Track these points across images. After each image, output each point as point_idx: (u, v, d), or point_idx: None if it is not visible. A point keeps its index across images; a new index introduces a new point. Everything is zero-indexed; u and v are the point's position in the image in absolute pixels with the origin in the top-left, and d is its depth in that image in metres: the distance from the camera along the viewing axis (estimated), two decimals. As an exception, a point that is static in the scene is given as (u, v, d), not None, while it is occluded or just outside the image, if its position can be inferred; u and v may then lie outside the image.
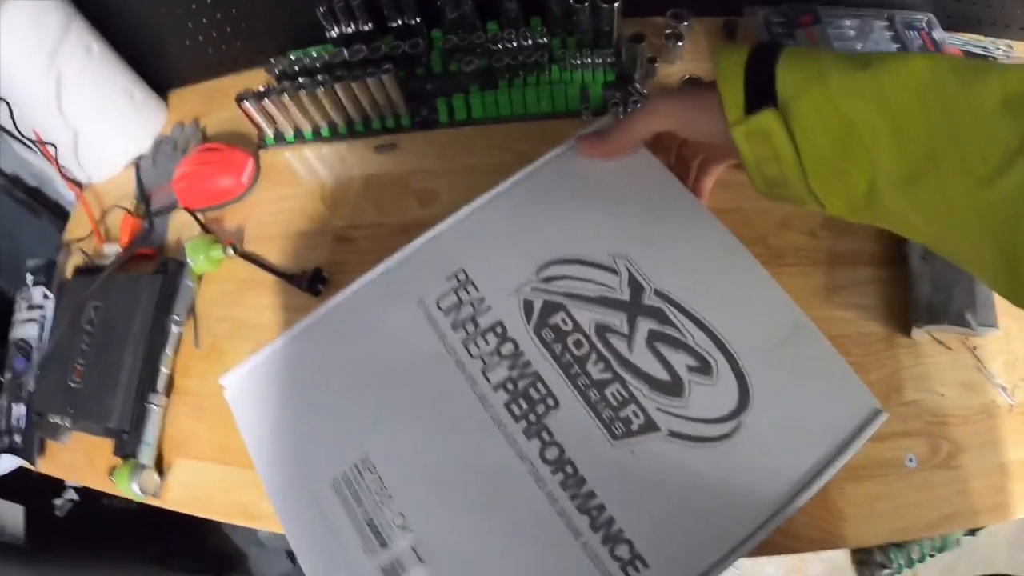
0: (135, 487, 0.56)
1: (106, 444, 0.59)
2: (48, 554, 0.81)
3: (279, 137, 0.70)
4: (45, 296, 0.68)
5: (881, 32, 0.65)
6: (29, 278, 0.69)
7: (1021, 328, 0.54)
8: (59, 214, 0.90)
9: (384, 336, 0.41)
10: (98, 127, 0.71)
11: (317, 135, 0.69)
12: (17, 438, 0.64)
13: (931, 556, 1.20)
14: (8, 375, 0.66)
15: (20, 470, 0.67)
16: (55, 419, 0.61)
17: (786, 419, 0.36)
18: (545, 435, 0.36)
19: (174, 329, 0.61)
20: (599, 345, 0.38)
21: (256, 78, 0.74)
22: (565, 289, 0.40)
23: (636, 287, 0.40)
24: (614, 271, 0.40)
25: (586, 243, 0.41)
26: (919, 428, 0.52)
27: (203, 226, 0.66)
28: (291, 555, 1.09)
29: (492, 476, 0.36)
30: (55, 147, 0.68)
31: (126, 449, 0.58)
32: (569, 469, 0.35)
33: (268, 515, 0.54)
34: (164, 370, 0.60)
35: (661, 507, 0.34)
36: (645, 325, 0.38)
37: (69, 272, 0.70)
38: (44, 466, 0.64)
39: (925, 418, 0.52)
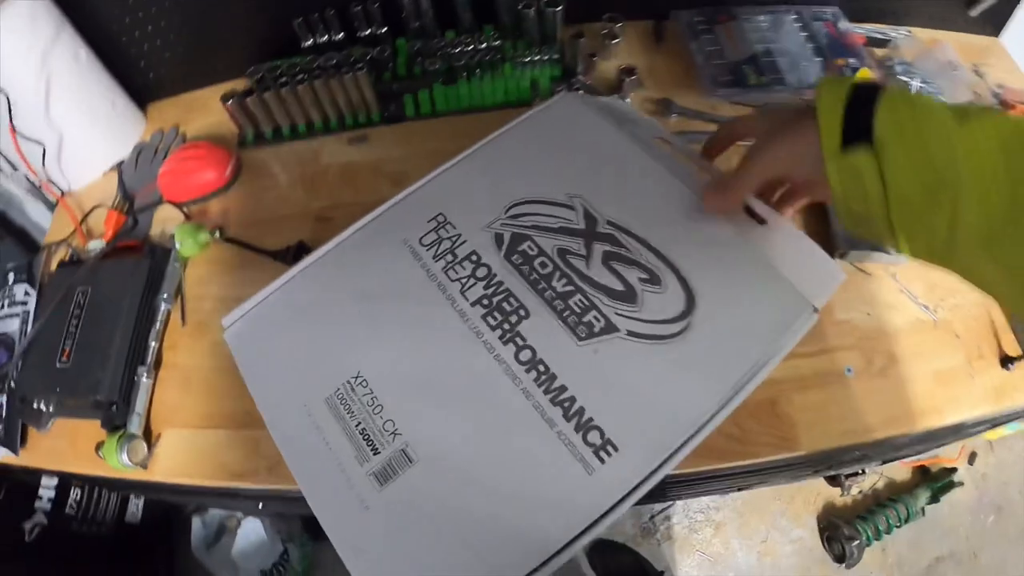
0: (124, 457, 0.57)
1: (89, 428, 0.61)
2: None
3: (259, 135, 0.75)
4: (27, 292, 0.70)
5: (791, 25, 0.76)
6: (10, 276, 0.71)
7: None
8: (25, 241, 0.91)
9: (373, 270, 0.46)
10: (82, 131, 0.75)
11: (295, 132, 0.75)
12: (-1, 427, 0.64)
13: (897, 527, 1.26)
14: (-11, 368, 0.67)
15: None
16: (39, 404, 0.62)
17: (731, 319, 0.40)
18: (519, 340, 0.40)
19: (162, 308, 0.64)
20: (561, 265, 0.43)
21: (235, 86, 0.79)
22: (530, 223, 0.46)
23: (590, 219, 0.45)
24: (571, 207, 0.46)
25: (546, 186, 0.47)
26: (852, 343, 0.59)
27: (187, 216, 0.70)
28: (264, 573, 1.07)
29: (473, 378, 0.40)
30: (44, 147, 0.72)
31: (115, 420, 0.59)
32: (541, 367, 0.39)
33: (253, 470, 0.57)
34: (153, 344, 0.63)
35: (626, 397, 0.38)
36: (600, 247, 0.44)
37: (52, 268, 0.72)
38: (26, 457, 0.64)
39: (856, 334, 0.60)
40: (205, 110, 0.80)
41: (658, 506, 1.34)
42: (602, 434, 0.36)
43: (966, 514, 1.33)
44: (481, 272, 0.44)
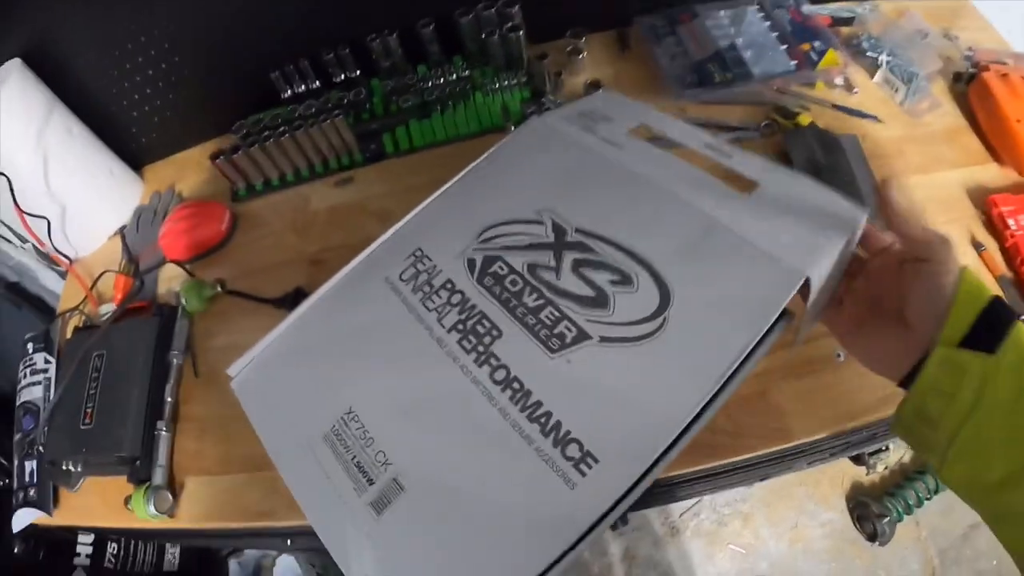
0: (151, 508, 0.60)
1: (117, 484, 0.64)
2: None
3: (250, 188, 0.79)
4: (47, 360, 0.74)
5: (754, 16, 0.77)
6: (29, 346, 0.75)
7: None
8: (42, 307, 0.96)
9: (358, 310, 0.48)
10: (83, 202, 0.79)
11: (284, 181, 0.78)
12: (32, 492, 0.67)
13: (927, 499, 1.25)
14: (18, 435, 0.70)
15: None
16: (67, 465, 0.65)
17: (710, 308, 0.39)
18: (493, 360, 0.41)
19: (175, 363, 0.68)
20: (531, 280, 0.44)
21: (224, 142, 0.83)
22: (500, 244, 0.47)
23: (559, 230, 0.46)
24: (540, 222, 0.47)
25: (515, 207, 0.48)
26: None
27: (190, 273, 0.73)
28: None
29: (452, 403, 0.40)
30: (48, 221, 0.76)
31: (140, 475, 0.62)
32: (516, 385, 0.39)
33: (274, 510, 0.60)
34: (169, 399, 0.66)
35: (602, 405, 0.37)
36: (569, 256, 0.44)
37: (68, 335, 0.76)
38: (60, 516, 0.67)
39: None
40: (198, 168, 0.84)
41: (684, 504, 1.34)
42: (580, 447, 0.36)
43: (994, 479, 1.31)
44: (455, 299, 0.44)
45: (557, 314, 0.41)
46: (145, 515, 0.61)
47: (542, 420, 0.37)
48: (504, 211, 0.48)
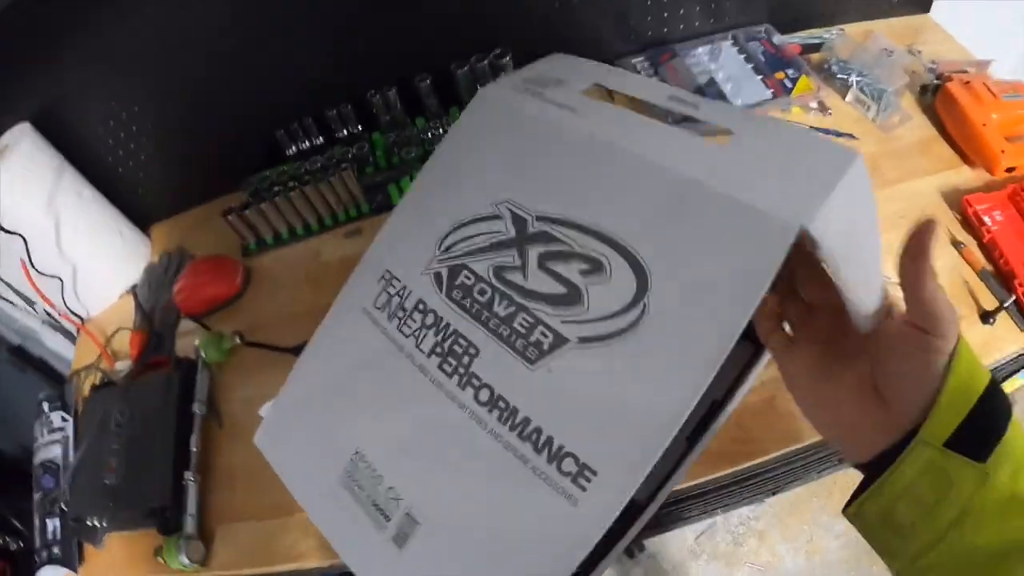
0: (183, 558, 0.62)
1: (142, 539, 0.65)
2: None
3: (261, 242, 0.82)
4: (63, 419, 0.75)
5: (729, 50, 0.83)
6: (45, 406, 0.76)
7: (899, 236, 0.70)
8: (45, 370, 0.96)
9: (345, 347, 0.46)
10: (94, 263, 0.82)
11: (294, 235, 0.82)
12: (56, 549, 0.68)
13: None
14: (38, 495, 0.71)
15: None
16: (92, 521, 0.67)
17: (694, 285, 0.33)
18: (475, 381, 0.38)
19: (197, 414, 0.70)
20: (499, 285, 0.40)
21: (230, 200, 0.87)
22: (462, 250, 0.42)
23: (519, 222, 0.40)
24: (498, 216, 0.41)
25: (470, 203, 0.43)
26: None
27: (207, 327, 0.76)
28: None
29: (444, 433, 0.39)
30: (61, 281, 0.78)
31: (170, 525, 0.64)
32: (502, 404, 0.37)
33: (304, 552, 0.62)
34: (194, 449, 0.68)
35: (591, 413, 0.34)
36: (534, 251, 0.39)
37: (84, 392, 0.78)
38: (86, 572, 0.68)
39: None
40: (206, 226, 0.87)
41: (699, 527, 1.34)
42: (576, 460, 0.34)
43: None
44: (429, 320, 0.42)
45: (531, 320, 0.38)
46: (178, 565, 0.62)
47: (533, 438, 0.35)
48: (460, 211, 0.43)
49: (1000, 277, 0.68)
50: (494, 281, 0.40)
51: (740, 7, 0.87)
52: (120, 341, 0.80)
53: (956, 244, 0.71)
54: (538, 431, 0.35)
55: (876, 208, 0.36)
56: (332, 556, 0.62)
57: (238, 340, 0.73)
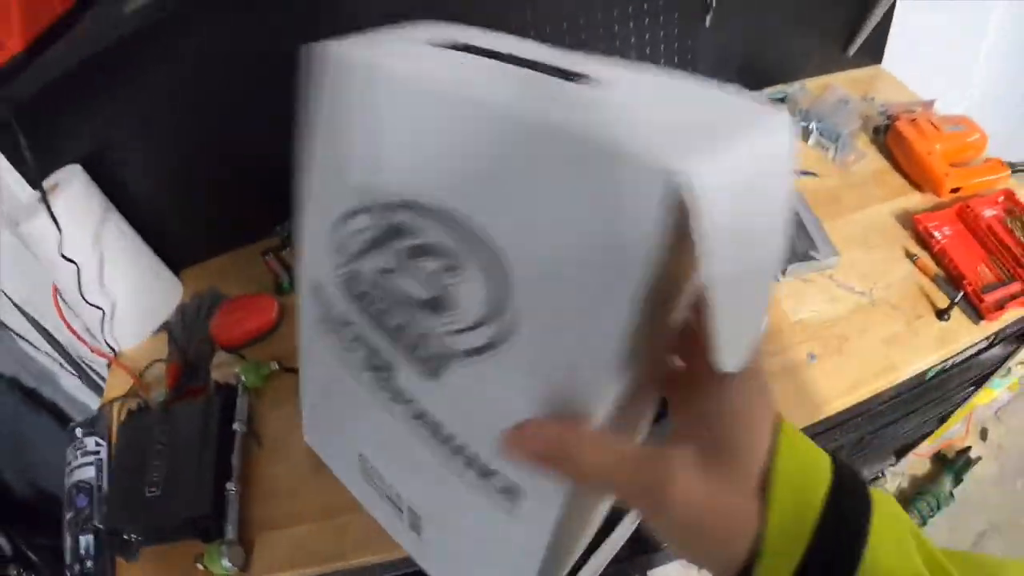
0: (225, 562, 0.65)
1: (174, 552, 0.68)
2: None
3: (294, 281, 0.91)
4: (97, 443, 0.79)
5: None
6: (78, 431, 0.79)
7: (862, 255, 0.82)
8: (56, 413, 0.98)
9: (313, 365, 0.43)
10: (131, 300, 0.88)
11: (323, 274, 0.91)
12: (89, 564, 0.70)
13: (931, 517, 1.32)
14: (71, 513, 0.73)
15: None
16: (128, 535, 0.69)
17: (564, 265, 0.25)
18: (401, 396, 0.35)
19: (238, 432, 0.75)
20: (386, 292, 0.33)
21: (261, 247, 0.95)
22: (350, 252, 0.35)
23: (386, 212, 0.32)
24: (367, 209, 0.33)
25: (338, 194, 0.34)
26: (808, 336, 0.75)
27: (243, 358, 0.83)
28: None
29: (396, 446, 0.37)
30: (103, 312, 0.84)
31: (212, 532, 0.67)
32: (428, 419, 0.33)
33: (342, 553, 0.67)
34: (235, 463, 0.73)
35: (499, 427, 0.29)
36: (401, 247, 0.32)
37: (119, 419, 0.81)
38: (118, 589, 0.70)
39: (810, 330, 0.75)
40: (236, 268, 0.94)
41: None
42: (502, 476, 0.30)
43: (993, 486, 1.39)
44: (351, 333, 0.36)
45: (420, 330, 0.32)
46: (220, 570, 0.65)
47: (462, 452, 0.32)
48: (334, 205, 0.35)
49: (951, 280, 0.79)
50: (383, 287, 0.33)
51: (713, 69, 1.00)
52: (152, 374, 0.86)
53: (911, 256, 0.82)
54: (463, 447, 0.32)
55: (790, 202, 0.27)
56: (365, 554, 0.66)
57: (276, 366, 0.80)
